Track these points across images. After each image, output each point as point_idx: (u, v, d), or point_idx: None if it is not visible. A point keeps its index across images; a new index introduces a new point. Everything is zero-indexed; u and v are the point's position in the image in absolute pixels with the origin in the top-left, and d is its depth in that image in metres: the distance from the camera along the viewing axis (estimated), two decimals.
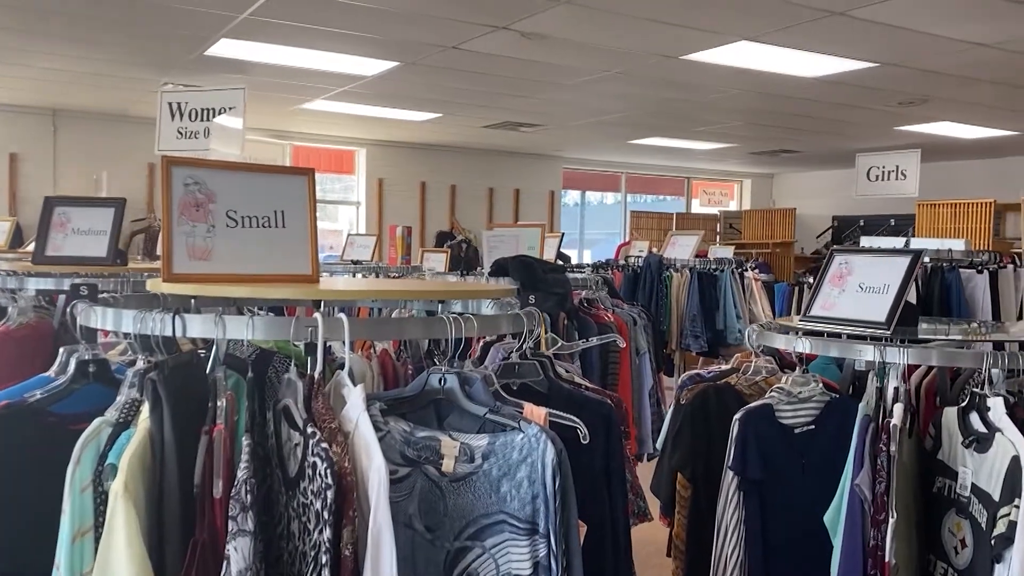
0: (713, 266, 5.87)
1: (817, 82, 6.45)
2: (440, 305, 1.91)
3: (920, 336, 2.46)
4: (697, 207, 13.21)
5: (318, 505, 1.30)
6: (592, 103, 7.49)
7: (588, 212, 13.74)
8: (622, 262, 6.14)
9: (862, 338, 2.32)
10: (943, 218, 9.57)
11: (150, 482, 1.31)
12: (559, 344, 2.08)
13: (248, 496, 1.27)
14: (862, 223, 12.49)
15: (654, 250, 6.59)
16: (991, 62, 5.64)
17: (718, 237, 12.33)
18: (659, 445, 2.84)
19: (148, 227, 8.72)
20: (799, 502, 2.30)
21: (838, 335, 2.42)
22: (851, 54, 5.58)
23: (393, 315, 2.83)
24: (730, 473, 2.27)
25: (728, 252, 7.86)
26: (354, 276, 5.82)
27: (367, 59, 6.03)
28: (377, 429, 1.43)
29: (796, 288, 7.62)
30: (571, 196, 13.18)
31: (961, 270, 4.38)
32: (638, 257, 6.03)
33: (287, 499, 1.43)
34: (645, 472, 2.90)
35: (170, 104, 6.56)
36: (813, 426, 2.37)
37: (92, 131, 8.59)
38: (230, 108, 6.64)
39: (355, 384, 1.46)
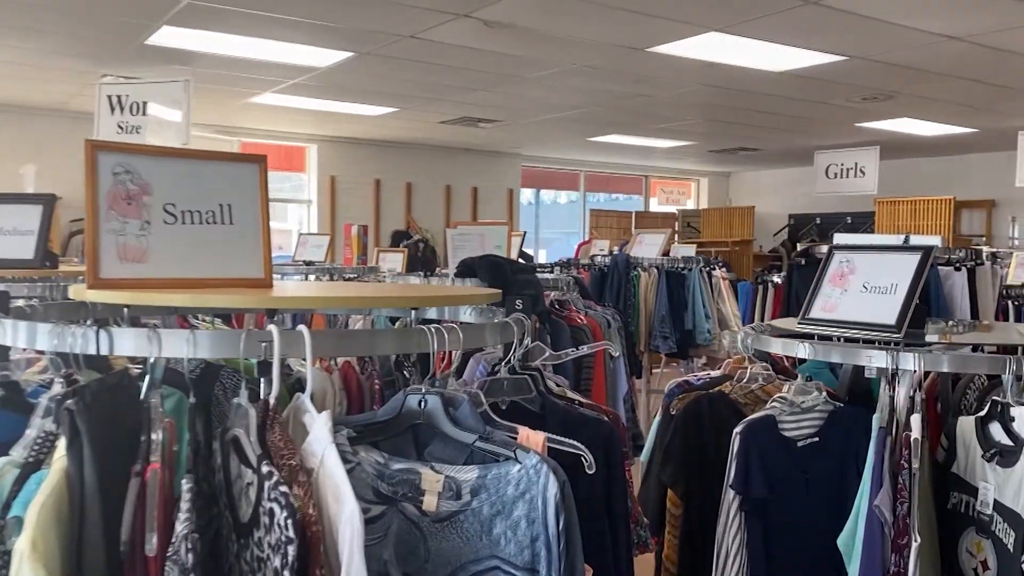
0: (681, 265, 5.71)
1: (784, 76, 6.34)
2: (413, 312, 1.68)
3: (927, 339, 2.29)
4: (655, 206, 13.12)
5: (277, 562, 1.06)
6: (553, 98, 7.30)
7: (542, 211, 13.57)
8: (586, 261, 5.95)
9: (871, 343, 2.15)
10: (903, 215, 9.58)
11: (66, 538, 1.06)
12: (546, 354, 1.86)
13: (189, 555, 1.03)
14: (818, 221, 12.53)
15: (615, 249, 6.42)
16: (961, 56, 5.57)
17: (676, 236, 12.25)
18: (644, 457, 2.65)
19: (82, 230, 8.29)
20: (802, 520, 2.13)
21: (843, 339, 2.25)
22: (822, 46, 5.47)
23: (352, 324, 2.59)
24: (731, 492, 2.08)
25: (691, 251, 7.73)
26: (306, 278, 5.54)
27: (319, 49, 5.74)
28: (345, 461, 1.20)
29: (760, 287, 7.52)
30: (525, 195, 12.99)
31: (939, 267, 4.27)
32: (604, 256, 5.84)
33: (239, 548, 1.18)
34: None
35: (109, 97, 6.21)
36: (816, 438, 2.20)
37: (28, 125, 8.13)
38: (174, 102, 6.32)
39: (315, 405, 1.23)
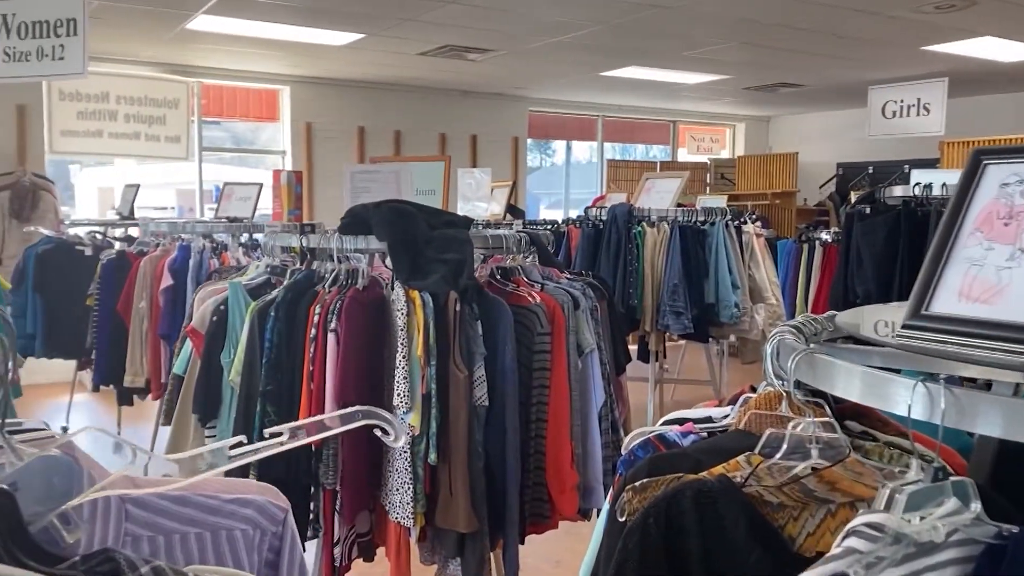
0: (701, 218, 4.37)
1: None
2: None
3: None
4: (684, 156, 11.66)
5: None
6: (548, 14, 5.94)
7: (574, 171, 12.38)
8: (580, 215, 4.64)
9: None
10: None
11: None
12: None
13: None
14: (871, 170, 11.08)
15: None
16: None
17: (708, 188, 10.83)
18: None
19: (16, 182, 7.16)
20: None
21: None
22: None
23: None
24: None
25: (720, 201, 6.38)
26: (217, 245, 4.34)
27: None
28: None
29: (805, 246, 6.15)
30: (559, 155, 11.77)
31: None
32: (601, 208, 4.52)
33: None
34: (584, 539, 1.48)
35: None
36: None
37: None
38: (68, 20, 5.16)
39: None
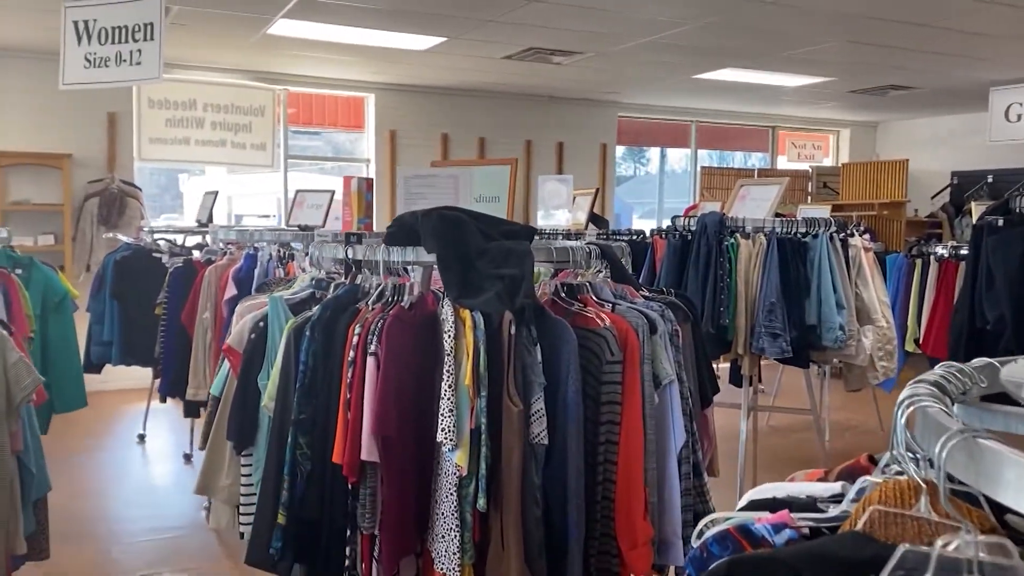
0: (802, 229, 3.95)
1: None
2: None
3: None
4: (784, 164, 11.07)
5: None
6: (638, 13, 5.59)
7: (668, 180, 12.03)
8: (668, 224, 4.27)
9: None
10: None
11: None
12: None
13: None
14: (990, 179, 10.26)
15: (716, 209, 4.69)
16: None
17: (809, 198, 10.24)
18: None
19: (104, 189, 7.24)
20: None
21: None
22: None
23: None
24: None
25: (823, 212, 5.90)
26: (279, 254, 4.16)
27: None
28: None
29: (918, 262, 5.59)
30: (653, 163, 11.47)
31: None
32: (691, 218, 4.14)
33: None
34: None
35: (76, 24, 5.11)
36: None
37: (38, 73, 7.05)
38: (146, 25, 5.11)
39: None
